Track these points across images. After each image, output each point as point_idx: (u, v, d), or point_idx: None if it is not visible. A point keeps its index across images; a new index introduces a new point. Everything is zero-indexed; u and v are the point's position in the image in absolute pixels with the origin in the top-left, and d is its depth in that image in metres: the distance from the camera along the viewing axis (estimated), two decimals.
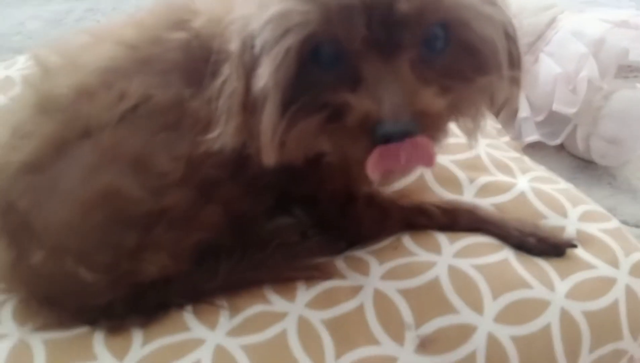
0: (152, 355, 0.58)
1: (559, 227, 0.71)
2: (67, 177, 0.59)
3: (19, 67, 0.95)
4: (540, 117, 1.08)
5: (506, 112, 1.14)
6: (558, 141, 1.08)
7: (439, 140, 0.55)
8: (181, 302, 0.63)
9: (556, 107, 1.03)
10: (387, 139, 0.48)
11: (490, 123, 0.98)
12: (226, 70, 0.55)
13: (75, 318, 0.62)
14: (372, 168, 0.49)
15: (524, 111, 1.09)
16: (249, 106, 0.54)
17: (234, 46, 0.55)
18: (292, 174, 0.63)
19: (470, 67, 0.54)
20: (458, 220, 0.71)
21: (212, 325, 0.61)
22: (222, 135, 0.56)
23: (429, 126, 0.50)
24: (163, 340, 0.59)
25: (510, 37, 0.56)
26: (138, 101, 0.60)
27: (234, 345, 0.59)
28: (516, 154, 0.88)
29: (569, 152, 1.12)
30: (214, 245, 0.65)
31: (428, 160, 0.49)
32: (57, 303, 0.61)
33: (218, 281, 0.64)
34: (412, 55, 0.51)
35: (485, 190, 0.76)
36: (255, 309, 0.62)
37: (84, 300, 0.61)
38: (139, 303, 0.62)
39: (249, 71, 0.53)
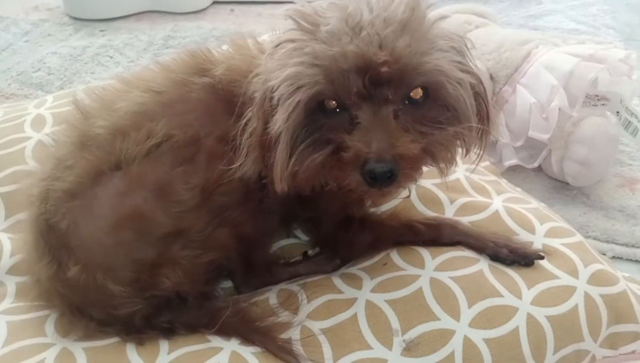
0: (177, 360, 0.67)
1: (528, 242, 0.81)
2: (100, 202, 0.69)
3: (47, 106, 1.05)
4: (519, 143, 1.18)
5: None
6: (535, 164, 1.17)
7: (415, 177, 0.68)
8: (191, 327, 0.71)
9: (531, 133, 1.13)
10: (373, 174, 0.61)
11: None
12: (249, 113, 0.68)
13: (100, 330, 0.70)
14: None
15: (504, 137, 1.20)
16: (266, 143, 0.66)
17: (257, 94, 0.67)
18: (298, 199, 0.73)
19: (444, 119, 0.66)
20: (441, 234, 0.81)
21: (226, 338, 0.70)
22: (243, 165, 0.68)
23: (406, 166, 0.62)
24: (187, 348, 0.68)
25: (479, 96, 0.68)
26: (162, 140, 0.71)
27: (246, 352, 0.68)
28: (493, 178, 0.98)
29: (546, 174, 1.21)
30: (222, 268, 0.74)
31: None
32: (86, 314, 0.70)
33: (227, 309, 0.72)
34: (396, 107, 0.63)
35: (464, 209, 0.86)
36: (265, 322, 0.71)
37: (108, 311, 0.70)
38: (155, 320, 0.71)
39: (267, 115, 0.65)
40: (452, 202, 0.87)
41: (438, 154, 0.67)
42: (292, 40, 0.65)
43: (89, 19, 1.98)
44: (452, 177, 0.91)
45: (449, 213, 0.86)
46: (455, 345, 0.69)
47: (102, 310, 0.70)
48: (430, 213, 0.86)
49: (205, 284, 0.74)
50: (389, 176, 0.61)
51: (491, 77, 1.26)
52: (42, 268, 0.70)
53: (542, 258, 0.78)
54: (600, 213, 1.13)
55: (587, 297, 0.74)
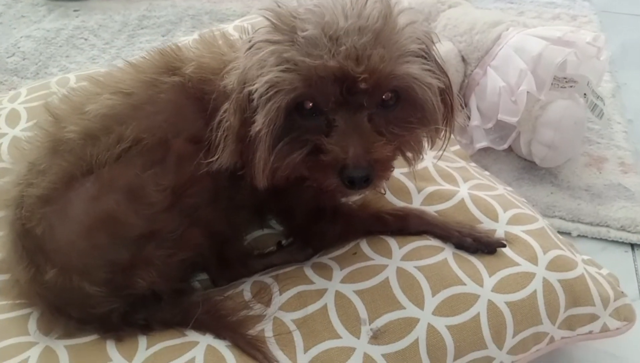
0: (155, 355, 0.70)
1: (491, 229, 0.85)
2: (74, 207, 0.71)
3: (21, 100, 1.06)
4: (489, 125, 1.20)
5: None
6: (505, 146, 1.20)
7: (388, 177, 0.73)
8: (165, 324, 0.74)
9: (501, 116, 1.15)
10: (352, 180, 0.65)
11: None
12: (224, 107, 0.70)
13: (79, 328, 0.73)
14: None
15: (475, 119, 1.22)
16: (243, 137, 0.68)
17: (231, 88, 0.70)
18: (270, 192, 0.75)
19: (414, 120, 0.70)
20: (408, 225, 0.84)
21: (202, 331, 0.73)
22: (219, 158, 0.70)
23: (380, 168, 0.67)
24: (164, 343, 0.72)
25: (445, 91, 0.72)
26: (131, 144, 0.73)
27: (221, 345, 0.72)
28: (461, 163, 1.01)
29: (516, 154, 1.24)
30: (197, 264, 0.77)
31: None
32: (65, 313, 0.73)
33: (200, 306, 0.75)
34: (370, 111, 0.67)
35: (431, 198, 0.89)
36: (238, 317, 0.74)
37: (86, 310, 0.72)
38: (131, 317, 0.74)
39: (244, 112, 0.68)
40: (419, 191, 0.90)
41: (407, 151, 0.73)
42: (269, 42, 0.66)
43: None
44: (420, 165, 0.94)
45: (417, 202, 0.89)
46: (420, 332, 0.73)
47: (80, 309, 0.72)
48: (399, 203, 0.89)
49: (180, 281, 0.77)
50: (366, 180, 0.65)
51: (463, 59, 1.28)
52: (21, 271, 0.72)
53: (504, 246, 0.81)
54: (567, 192, 1.17)
55: (546, 283, 0.78)
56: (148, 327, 0.73)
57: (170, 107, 0.76)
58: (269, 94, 0.64)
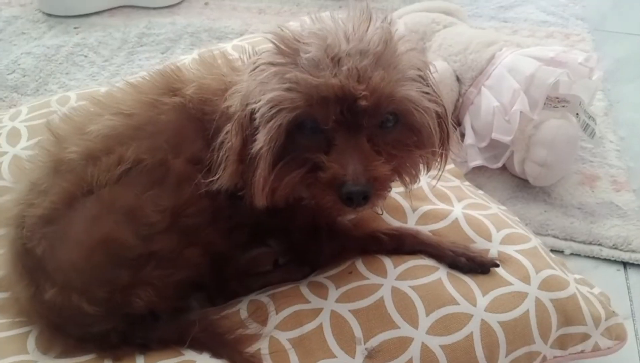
0: None
1: (485, 249, 0.86)
2: (74, 227, 0.72)
3: (22, 118, 1.07)
4: (483, 143, 1.22)
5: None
6: (499, 165, 1.22)
7: (386, 196, 0.74)
8: (163, 343, 0.75)
9: (494, 136, 1.17)
10: (349, 196, 0.66)
11: None
12: (227, 128, 0.72)
13: (77, 347, 0.75)
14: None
15: (469, 138, 1.24)
16: (244, 158, 0.70)
17: (234, 110, 0.71)
18: (268, 211, 0.75)
19: (411, 142, 0.72)
20: (403, 244, 0.85)
21: (200, 350, 0.74)
22: (220, 178, 0.72)
23: (379, 187, 0.68)
24: (162, 362, 0.73)
25: (442, 120, 0.74)
26: (131, 165, 0.74)
27: None
28: (456, 183, 1.02)
29: (510, 172, 1.26)
30: (195, 284, 0.78)
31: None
32: (64, 332, 0.75)
33: (197, 324, 0.76)
34: (369, 132, 0.68)
35: (426, 218, 0.91)
36: (235, 336, 0.75)
37: (85, 329, 0.74)
38: (129, 337, 0.75)
39: (245, 132, 0.70)
40: (414, 211, 0.91)
41: (405, 173, 0.74)
42: (272, 64, 0.68)
43: (62, 15, 1.97)
44: (415, 184, 0.95)
45: (412, 221, 0.90)
46: (414, 351, 0.74)
47: (78, 328, 0.74)
48: (394, 222, 0.90)
49: (178, 300, 0.78)
50: (364, 197, 0.66)
51: (458, 79, 1.30)
52: (21, 290, 0.74)
53: (497, 265, 0.83)
54: (560, 211, 1.18)
55: (538, 302, 0.80)
56: (146, 346, 0.74)
57: (170, 127, 0.77)
58: (271, 113, 0.66)
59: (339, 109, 0.66)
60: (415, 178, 0.76)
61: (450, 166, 1.11)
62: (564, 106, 1.18)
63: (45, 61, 1.70)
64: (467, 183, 1.08)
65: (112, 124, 0.77)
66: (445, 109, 0.75)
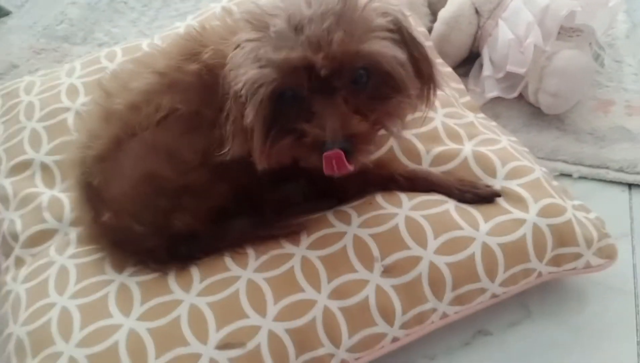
0: (206, 288, 0.86)
1: (489, 184, 0.95)
2: (123, 163, 0.87)
3: (77, 75, 1.20)
4: (500, 74, 1.28)
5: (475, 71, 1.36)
6: (515, 95, 1.27)
7: (371, 150, 0.80)
8: (202, 255, 0.89)
9: (509, 67, 1.23)
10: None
11: (453, 86, 1.20)
12: (228, 104, 0.79)
13: (132, 261, 0.89)
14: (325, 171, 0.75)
15: (487, 70, 1.30)
16: (246, 129, 0.78)
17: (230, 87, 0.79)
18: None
19: (387, 92, 0.77)
20: (416, 185, 0.95)
21: (243, 265, 0.88)
22: (231, 149, 0.80)
23: (359, 142, 0.74)
24: (213, 277, 0.87)
25: (415, 57, 0.79)
26: (168, 112, 0.87)
27: (259, 278, 0.86)
28: (470, 118, 1.10)
29: (526, 101, 1.31)
30: (227, 209, 0.90)
31: (344, 169, 0.73)
32: (121, 249, 0.90)
33: (232, 239, 0.90)
34: (344, 93, 0.74)
35: (438, 159, 1.00)
36: (271, 254, 0.89)
37: (137, 245, 0.88)
38: (174, 252, 0.89)
39: (241, 108, 0.77)
40: (428, 152, 1.01)
41: (387, 124, 0.79)
42: (250, 40, 0.76)
43: None
44: (430, 125, 1.04)
45: (426, 163, 1.00)
46: (423, 268, 0.86)
47: (132, 244, 0.88)
48: (410, 164, 1.00)
49: (213, 223, 0.90)
50: (345, 153, 0.72)
51: (476, 11, 1.35)
52: (85, 216, 0.90)
53: (499, 195, 0.93)
54: (572, 136, 1.25)
55: (535, 227, 0.89)
56: (191, 257, 0.89)
57: (196, 86, 0.87)
58: (252, 90, 0.73)
59: (307, 78, 0.72)
60: (400, 125, 0.82)
61: (465, 98, 1.19)
62: (578, 36, 1.22)
63: (89, 10, 1.79)
64: (481, 115, 1.16)
65: (149, 81, 0.88)
66: (425, 51, 0.80)
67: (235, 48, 0.78)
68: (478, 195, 0.93)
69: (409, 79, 0.77)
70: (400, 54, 0.75)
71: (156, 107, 0.86)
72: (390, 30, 0.76)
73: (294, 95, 0.75)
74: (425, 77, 0.82)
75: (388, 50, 0.74)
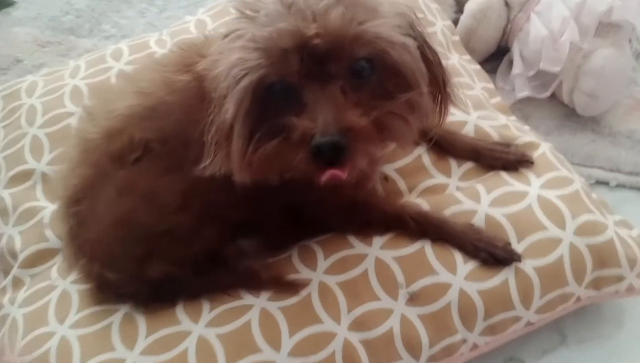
0: (217, 317, 0.80)
1: (508, 243, 0.83)
2: (95, 207, 0.79)
3: (82, 75, 1.13)
4: (531, 72, 1.20)
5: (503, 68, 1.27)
6: (547, 94, 1.19)
7: (371, 153, 0.66)
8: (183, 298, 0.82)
9: (543, 66, 1.14)
10: (320, 150, 0.59)
11: (482, 86, 1.12)
12: (211, 109, 0.67)
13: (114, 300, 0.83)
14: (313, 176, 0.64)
15: (517, 67, 1.22)
16: (229, 135, 0.65)
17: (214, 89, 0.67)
18: (286, 186, 0.69)
19: (394, 87, 0.64)
20: (427, 232, 0.84)
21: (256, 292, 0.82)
22: (212, 163, 0.67)
23: (356, 139, 0.60)
24: (224, 306, 0.81)
25: (430, 61, 0.68)
26: (142, 152, 0.77)
27: (273, 308, 0.80)
28: (502, 122, 1.01)
29: (559, 100, 1.23)
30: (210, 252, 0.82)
31: (336, 172, 0.62)
32: (102, 292, 0.83)
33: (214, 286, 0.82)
34: (342, 83, 0.62)
35: (469, 174, 0.93)
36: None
37: (115, 290, 0.82)
38: (156, 296, 0.81)
39: (223, 105, 0.65)
40: (459, 166, 0.94)
41: (393, 126, 0.65)
42: (236, 30, 0.65)
43: None
44: (464, 129, 0.97)
45: (455, 177, 0.93)
46: (452, 296, 0.80)
47: (110, 291, 0.82)
48: (439, 176, 0.92)
49: (196, 265, 0.81)
50: (337, 150, 0.59)
51: (506, 4, 1.26)
52: (68, 258, 0.84)
53: (519, 260, 0.81)
54: (608, 139, 1.17)
55: (572, 247, 0.82)
56: (175, 297, 0.81)
57: (177, 109, 0.76)
58: (235, 78, 0.62)
59: (298, 58, 0.60)
60: (408, 132, 0.67)
61: (496, 99, 1.11)
62: (616, 32, 1.13)
63: (96, 0, 1.72)
64: (513, 118, 1.08)
65: (131, 103, 0.78)
66: (432, 48, 0.69)
67: (223, 39, 0.68)
68: (494, 256, 0.81)
69: (420, 75, 0.65)
70: (411, 43, 0.64)
71: (129, 139, 0.77)
72: (400, 25, 0.65)
73: (283, 88, 0.63)
74: (440, 86, 0.71)
75: (396, 36, 0.63)
